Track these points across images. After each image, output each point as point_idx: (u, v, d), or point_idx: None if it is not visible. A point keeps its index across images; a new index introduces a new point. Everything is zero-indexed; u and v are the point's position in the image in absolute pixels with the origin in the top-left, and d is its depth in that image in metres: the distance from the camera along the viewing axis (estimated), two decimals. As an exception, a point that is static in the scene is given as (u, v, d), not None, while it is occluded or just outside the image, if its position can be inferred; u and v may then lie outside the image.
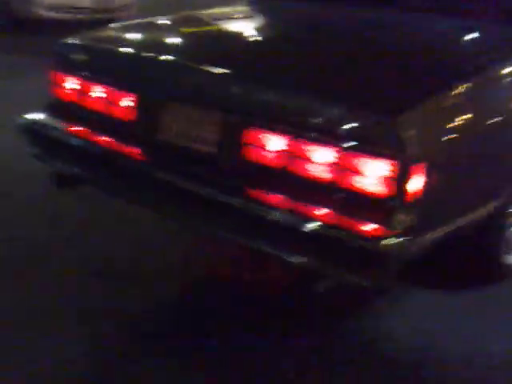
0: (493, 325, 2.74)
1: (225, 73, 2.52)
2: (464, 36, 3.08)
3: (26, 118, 2.98)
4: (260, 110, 2.36)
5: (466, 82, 2.42)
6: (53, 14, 8.84)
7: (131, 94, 2.68)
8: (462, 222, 2.45)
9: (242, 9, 3.69)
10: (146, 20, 3.43)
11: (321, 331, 2.66)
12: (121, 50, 2.90)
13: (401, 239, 2.07)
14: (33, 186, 3.65)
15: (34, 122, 2.98)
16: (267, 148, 2.31)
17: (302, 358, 2.49)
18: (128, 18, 8.92)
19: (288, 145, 2.27)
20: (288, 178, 2.29)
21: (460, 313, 2.81)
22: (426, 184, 2.13)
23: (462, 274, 3.01)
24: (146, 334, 2.59)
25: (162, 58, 2.69)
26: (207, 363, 2.43)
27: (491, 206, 2.61)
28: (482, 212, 2.57)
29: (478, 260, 2.89)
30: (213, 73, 2.52)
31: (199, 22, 3.48)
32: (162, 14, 3.56)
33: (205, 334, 2.59)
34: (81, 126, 2.88)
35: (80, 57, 2.93)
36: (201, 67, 2.55)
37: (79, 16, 9.01)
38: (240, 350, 2.50)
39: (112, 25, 3.55)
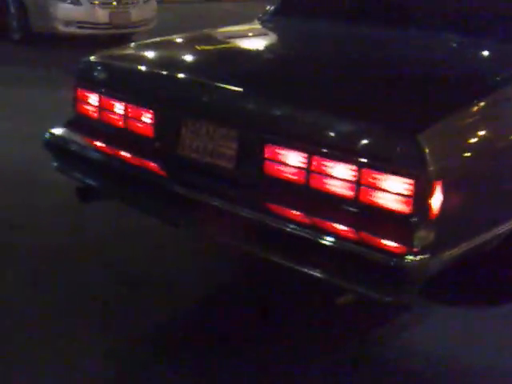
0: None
1: (242, 89, 2.55)
2: (481, 53, 3.10)
3: (50, 133, 3.03)
4: (278, 126, 2.38)
5: (485, 98, 2.42)
6: (71, 30, 8.98)
7: (151, 111, 2.73)
8: (484, 238, 2.44)
9: (256, 27, 3.73)
10: (163, 38, 3.49)
11: (343, 345, 2.68)
12: (140, 68, 2.95)
13: (422, 256, 2.07)
14: (59, 197, 3.73)
15: (58, 137, 3.03)
16: (286, 164, 2.33)
17: (323, 371, 2.50)
18: (147, 34, 9.05)
19: (308, 161, 2.28)
20: (309, 194, 2.31)
21: (483, 329, 2.80)
22: (447, 201, 2.13)
23: (488, 290, 3.00)
24: (170, 341, 2.65)
25: (180, 75, 2.75)
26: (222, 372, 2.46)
27: None
28: (504, 228, 2.56)
29: (503, 276, 2.88)
30: (230, 89, 2.55)
31: (214, 40, 3.53)
32: (180, 28, 3.63)
33: (223, 345, 2.63)
34: (102, 141, 2.93)
35: (101, 74, 2.99)
36: (218, 84, 2.58)
37: (97, 31, 9.14)
38: (258, 360, 2.53)
39: (132, 43, 3.60)
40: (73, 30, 8.99)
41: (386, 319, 2.84)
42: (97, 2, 9.04)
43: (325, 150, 2.24)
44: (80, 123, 3.06)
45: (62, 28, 8.90)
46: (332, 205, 2.25)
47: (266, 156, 2.38)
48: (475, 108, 2.38)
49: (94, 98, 2.97)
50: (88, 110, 3.01)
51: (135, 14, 9.40)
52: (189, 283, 3.06)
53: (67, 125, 3.08)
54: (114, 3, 9.20)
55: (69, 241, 3.40)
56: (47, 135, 3.06)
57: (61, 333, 2.65)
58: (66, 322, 2.72)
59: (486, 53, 3.14)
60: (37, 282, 3.03)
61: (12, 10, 9.21)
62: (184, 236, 3.00)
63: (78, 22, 8.95)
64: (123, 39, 8.88)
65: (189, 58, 3.20)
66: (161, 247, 3.35)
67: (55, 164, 3.08)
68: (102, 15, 9.07)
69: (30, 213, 3.73)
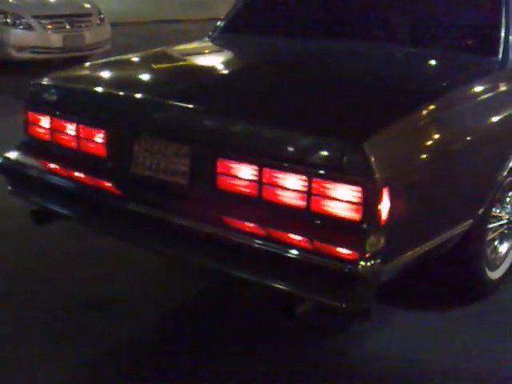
0: (479, 340, 2.78)
1: (192, 106, 2.57)
2: (426, 61, 3.19)
3: (3, 157, 3.01)
4: (228, 141, 2.41)
5: (430, 104, 2.48)
6: (24, 55, 8.89)
7: (102, 131, 2.73)
8: (437, 241, 2.50)
9: (205, 44, 3.78)
10: (112, 58, 3.52)
11: (304, 354, 2.70)
12: (89, 87, 2.95)
13: (374, 261, 2.11)
14: (18, 221, 3.69)
15: (11, 161, 3.00)
16: (238, 177, 2.36)
17: (284, 380, 2.53)
18: (101, 56, 9.02)
19: (259, 174, 2.31)
20: (262, 206, 2.33)
21: (445, 330, 2.85)
22: (396, 207, 2.18)
23: (445, 293, 3.07)
24: (136, 357, 2.65)
25: (129, 93, 2.75)
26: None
27: (467, 225, 2.65)
28: (457, 231, 2.62)
29: (461, 277, 2.94)
30: (180, 106, 2.57)
31: (164, 58, 3.55)
32: (135, 50, 3.66)
33: (197, 357, 2.65)
34: (56, 163, 2.91)
35: (51, 96, 2.98)
36: (168, 101, 2.60)
37: (51, 56, 9.07)
38: (220, 374, 2.55)
39: (82, 64, 3.60)
40: (26, 55, 8.90)
41: (346, 328, 2.87)
42: (50, 27, 8.98)
43: (275, 163, 2.28)
44: (32, 146, 3.05)
45: (15, 54, 8.81)
46: (285, 216, 2.28)
47: (218, 170, 2.41)
48: (421, 114, 2.43)
49: (45, 120, 2.96)
50: (39, 132, 3.00)
51: (89, 36, 9.36)
52: (154, 299, 3.07)
53: (19, 148, 3.06)
54: (68, 27, 9.14)
55: (30, 264, 3.40)
56: (0, 159, 3.03)
57: (23, 355, 2.64)
58: (28, 344, 2.71)
59: (431, 61, 3.23)
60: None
61: (-37, 37, 9.09)
62: (146, 253, 2.99)
63: (31, 47, 8.86)
64: (78, 62, 8.82)
65: (138, 76, 3.22)
66: (124, 265, 3.36)
67: (9, 188, 3.06)
68: (55, 39, 9.00)
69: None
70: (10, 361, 2.61)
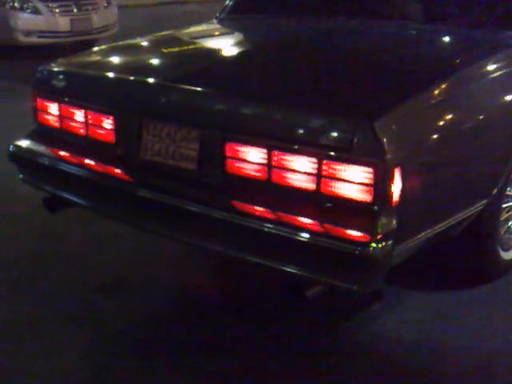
0: (492, 321, 2.77)
1: (200, 89, 2.54)
2: (439, 38, 3.14)
3: (14, 145, 3.01)
4: (237, 124, 2.39)
5: (444, 81, 2.44)
6: (32, 40, 8.89)
7: (111, 116, 2.71)
8: (448, 223, 2.47)
9: (213, 26, 3.74)
10: (121, 42, 3.49)
11: (316, 334, 2.70)
12: (97, 73, 2.94)
13: (385, 243, 2.09)
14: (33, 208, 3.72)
15: (22, 149, 3.01)
16: (247, 161, 2.34)
17: (297, 360, 2.54)
18: (109, 39, 9.00)
19: (269, 156, 2.29)
20: (272, 189, 2.32)
21: (458, 312, 2.84)
22: (408, 188, 2.15)
23: (458, 274, 3.06)
24: (145, 339, 2.68)
25: (137, 78, 2.73)
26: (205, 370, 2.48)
27: (481, 205, 2.62)
28: (470, 211, 2.58)
29: (474, 258, 2.91)
30: (188, 90, 2.54)
31: (171, 41, 3.52)
32: (143, 32, 3.65)
33: (200, 341, 2.65)
34: (65, 150, 2.91)
35: (59, 82, 2.96)
36: (176, 85, 2.57)
37: (58, 40, 9.06)
38: (233, 355, 2.56)
39: (90, 49, 3.58)
40: (34, 39, 8.90)
41: (357, 309, 2.86)
42: (57, 11, 8.97)
43: (284, 145, 2.25)
44: (42, 133, 3.04)
45: (22, 38, 8.82)
46: (295, 198, 2.26)
47: (227, 154, 2.39)
48: (433, 92, 2.38)
49: (53, 107, 2.95)
50: (48, 119, 2.99)
51: (96, 20, 9.34)
52: (165, 283, 3.09)
53: (30, 136, 3.06)
54: (75, 10, 9.12)
55: (42, 249, 3.42)
56: (11, 147, 3.03)
57: (36, 335, 2.68)
58: (41, 325, 2.74)
59: (444, 37, 3.17)
60: (12, 289, 3.04)
61: (-29, 22, 9.09)
62: (156, 239, 3.00)
63: (39, 32, 8.86)
64: (86, 46, 8.81)
65: (146, 60, 3.19)
66: (134, 251, 3.37)
67: (21, 176, 3.07)
68: (62, 23, 9.00)
69: (3, 222, 3.74)
70: (25, 343, 2.63)
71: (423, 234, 2.34)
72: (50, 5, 8.91)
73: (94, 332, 2.72)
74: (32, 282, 3.10)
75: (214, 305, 2.92)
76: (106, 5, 9.61)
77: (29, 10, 8.83)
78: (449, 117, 2.42)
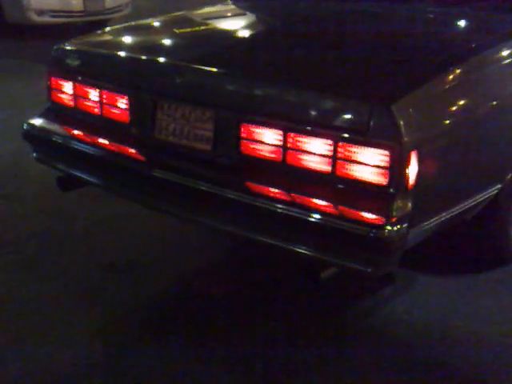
0: (503, 306, 2.77)
1: (216, 70, 2.53)
2: (456, 22, 3.11)
3: (28, 124, 3.02)
4: (253, 105, 2.38)
5: (460, 65, 2.42)
6: (45, 19, 8.86)
7: (125, 96, 2.71)
8: (463, 207, 2.46)
9: (228, 7, 3.72)
10: (135, 23, 3.48)
11: (328, 317, 2.71)
12: (112, 52, 2.93)
13: (400, 226, 2.08)
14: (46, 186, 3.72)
15: (35, 128, 3.01)
16: (262, 142, 2.33)
17: (308, 342, 2.54)
18: (122, 20, 8.96)
19: (284, 138, 2.28)
20: (286, 171, 2.31)
21: (469, 296, 2.84)
22: (424, 171, 2.14)
23: (470, 258, 3.05)
24: (156, 321, 2.69)
25: (152, 58, 2.72)
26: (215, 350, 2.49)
27: (495, 189, 2.61)
28: (484, 196, 2.58)
29: (487, 243, 2.92)
30: (204, 70, 2.53)
31: (186, 22, 3.51)
32: (156, 13, 3.63)
33: (212, 320, 2.67)
34: (79, 129, 2.91)
35: (74, 61, 2.95)
36: (192, 65, 2.56)
37: (71, 20, 9.04)
38: (244, 335, 2.57)
39: (105, 28, 3.57)
40: (47, 19, 8.87)
41: (369, 292, 2.87)
42: (70, -11, 8.93)
43: (300, 127, 2.24)
44: (56, 112, 3.05)
45: (35, 18, 8.79)
46: (310, 181, 2.26)
47: (242, 135, 2.38)
48: (450, 76, 2.36)
49: (68, 86, 2.95)
50: (63, 98, 3.00)
51: (110, 0, 9.29)
52: (176, 266, 3.08)
53: (43, 114, 3.06)
54: (88, -10, 9.08)
55: (54, 228, 3.43)
56: (25, 126, 3.04)
57: (48, 315, 2.69)
58: (52, 305, 2.76)
59: (461, 21, 3.14)
60: (23, 267, 3.06)
61: (-16, 1, 9.08)
62: (168, 219, 3.00)
63: (52, 11, 8.83)
64: (99, 26, 8.80)
65: (161, 40, 3.18)
66: (146, 231, 3.38)
67: (34, 155, 3.08)
68: (75, 3, 8.95)
69: (14, 201, 3.77)
70: (35, 323, 2.65)
71: (438, 217, 2.34)
72: (64, -16, 8.88)
73: (105, 312, 2.73)
74: (43, 261, 3.12)
75: (226, 287, 2.93)
76: (119, -15, 9.56)
77: (42, -11, 8.79)
78: (465, 101, 2.40)
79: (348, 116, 2.16)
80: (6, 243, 3.28)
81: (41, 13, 8.79)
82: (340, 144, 2.17)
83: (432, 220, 2.31)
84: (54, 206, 3.66)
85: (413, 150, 2.10)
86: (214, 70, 2.53)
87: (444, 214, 2.36)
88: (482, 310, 2.74)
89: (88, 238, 3.35)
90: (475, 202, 2.53)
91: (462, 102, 2.38)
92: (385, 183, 2.13)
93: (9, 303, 2.78)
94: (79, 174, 2.89)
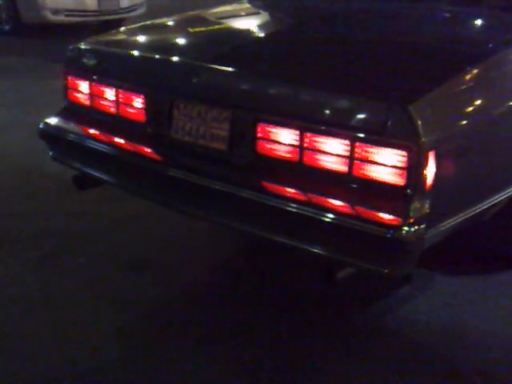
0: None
1: (232, 69, 2.52)
2: (473, 21, 3.08)
3: (45, 123, 3.03)
4: (269, 105, 2.37)
5: (478, 65, 2.40)
6: (60, 18, 8.91)
7: (141, 95, 2.71)
8: (481, 207, 2.44)
9: (244, 6, 3.70)
10: (150, 22, 3.49)
11: (344, 317, 2.71)
12: (129, 52, 2.92)
13: (418, 227, 2.06)
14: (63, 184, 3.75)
15: (52, 127, 3.02)
16: (279, 142, 2.32)
17: (325, 342, 2.54)
18: (137, 19, 8.99)
19: (301, 138, 2.27)
20: (303, 171, 2.30)
21: (487, 296, 2.82)
22: (442, 171, 2.13)
23: (488, 258, 3.03)
24: (174, 319, 2.69)
25: (169, 57, 2.71)
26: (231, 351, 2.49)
27: None
28: (503, 196, 2.56)
29: (505, 243, 2.89)
30: (220, 70, 2.52)
31: (202, 21, 3.50)
32: (172, 12, 3.63)
33: (230, 321, 2.66)
34: (95, 128, 2.91)
35: (90, 60, 2.95)
36: (208, 65, 2.55)
37: (86, 19, 9.08)
38: (261, 336, 2.56)
39: (120, 28, 3.58)
40: (61, 18, 8.92)
41: (387, 291, 2.86)
42: (85, -11, 8.97)
43: (316, 127, 2.23)
44: (72, 111, 3.05)
45: (50, 17, 8.84)
46: (326, 181, 2.24)
47: (258, 135, 2.37)
48: (468, 75, 2.35)
49: (84, 85, 2.96)
50: (79, 97, 3.00)
51: (124, -1, 9.34)
52: (192, 265, 3.09)
53: (60, 113, 3.07)
54: (103, -11, 9.13)
55: (71, 226, 3.46)
56: (41, 125, 3.05)
57: (67, 313, 2.70)
58: (71, 304, 2.77)
59: (478, 21, 3.12)
60: (43, 264, 3.07)
61: (1, 1, 9.14)
62: (185, 218, 3.00)
63: (67, 10, 8.87)
64: (113, 25, 8.83)
65: (177, 39, 3.18)
66: (163, 230, 3.39)
67: (51, 153, 3.09)
68: (90, 2, 9.00)
69: (31, 200, 3.79)
70: (52, 321, 2.66)
71: (455, 217, 2.32)
72: (78, -17, 8.92)
73: (122, 310, 2.73)
74: (60, 259, 3.13)
75: (243, 285, 2.93)
76: (133, -16, 9.59)
77: (57, -11, 8.83)
78: (483, 100, 2.38)
79: (365, 116, 2.15)
80: (23, 240, 3.30)
81: (56, 12, 8.84)
82: (357, 144, 2.16)
83: (450, 220, 2.29)
84: (71, 205, 3.68)
85: (430, 150, 2.08)
86: (230, 69, 2.52)
87: (462, 214, 2.34)
88: (501, 311, 2.72)
89: (104, 236, 3.35)
90: (494, 202, 2.51)
91: (479, 102, 2.36)
92: (402, 184, 2.11)
93: (25, 300, 2.80)
94: (95, 173, 2.90)
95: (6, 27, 9.19)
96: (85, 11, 9.03)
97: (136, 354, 2.47)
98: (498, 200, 2.53)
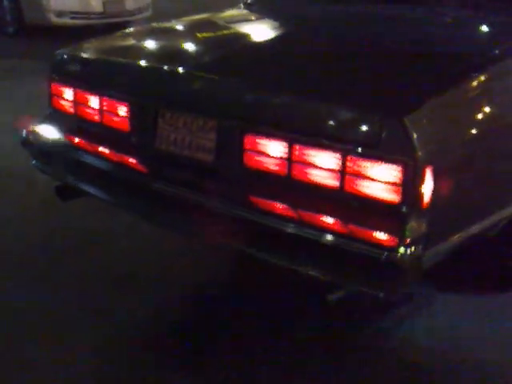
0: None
1: (219, 78, 2.39)
2: (475, 28, 2.90)
3: (27, 130, 2.91)
4: (256, 115, 2.24)
5: (477, 76, 2.24)
6: (65, 20, 8.81)
7: (126, 103, 2.58)
8: (483, 225, 2.29)
9: (238, 12, 3.55)
10: (140, 27, 3.38)
11: (341, 338, 2.57)
12: (113, 58, 2.81)
13: (414, 248, 1.91)
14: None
15: (33, 135, 2.90)
16: (267, 154, 2.19)
17: (320, 362, 2.42)
18: (142, 22, 8.89)
19: (290, 150, 2.13)
20: (292, 185, 2.16)
21: (491, 316, 2.68)
22: (440, 188, 1.97)
23: (491, 276, 2.86)
24: (158, 336, 2.61)
25: (154, 64, 2.60)
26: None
27: None
28: (507, 212, 2.41)
29: (509, 260, 2.74)
30: (206, 78, 2.40)
31: (192, 27, 3.36)
32: (177, 16, 3.54)
33: (213, 338, 2.57)
34: (78, 137, 2.80)
35: (74, 67, 2.83)
36: (194, 72, 2.42)
37: (91, 21, 8.97)
38: (251, 354, 2.46)
39: (112, 33, 3.41)
40: (66, 20, 8.81)
41: (385, 310, 2.71)
42: (90, -9, 8.88)
43: (306, 139, 2.09)
44: (56, 119, 2.92)
45: (55, 19, 8.74)
46: (317, 196, 2.10)
47: (245, 147, 2.24)
48: (469, 85, 2.20)
49: (68, 92, 2.84)
50: (63, 104, 2.88)
51: (130, 2, 9.22)
52: (178, 280, 2.98)
53: (43, 121, 2.95)
54: (108, -9, 9.02)
55: (57, 238, 3.36)
56: (24, 133, 2.93)
57: (49, 330, 2.61)
58: (53, 320, 2.67)
59: (482, 26, 2.94)
60: (27, 278, 2.98)
61: (5, 3, 9.06)
62: (168, 234, 2.89)
63: (72, 13, 8.78)
64: (118, 28, 8.73)
65: (163, 46, 3.04)
66: (150, 243, 3.27)
67: (33, 162, 2.96)
68: (95, 4, 8.90)
69: (16, 209, 3.68)
70: (36, 334, 2.58)
71: (456, 236, 2.17)
72: (83, -15, 8.82)
73: (106, 325, 2.64)
74: (46, 271, 3.03)
75: (229, 301, 2.81)
76: (139, -14, 9.49)
77: (61, -9, 8.74)
78: (485, 111, 2.24)
79: (358, 128, 1.99)
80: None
81: (60, 14, 8.75)
82: (349, 158, 2.01)
83: (450, 240, 2.14)
84: (57, 215, 3.54)
85: (427, 166, 1.93)
86: (217, 77, 2.39)
87: (463, 232, 2.19)
88: (505, 333, 2.56)
89: (91, 248, 3.24)
90: (496, 220, 2.36)
91: (481, 113, 2.22)
92: (397, 201, 1.96)
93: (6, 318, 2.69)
94: (77, 184, 2.77)
95: (10, 29, 9.12)
96: (90, 13, 8.93)
97: (119, 370, 2.38)
98: (501, 216, 2.37)
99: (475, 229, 2.24)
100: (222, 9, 3.69)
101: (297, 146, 2.11)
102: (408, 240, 1.91)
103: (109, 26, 9.07)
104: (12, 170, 4.19)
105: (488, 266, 2.79)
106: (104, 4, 8.96)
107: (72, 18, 8.85)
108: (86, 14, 8.91)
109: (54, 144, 2.83)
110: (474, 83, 2.22)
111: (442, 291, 2.83)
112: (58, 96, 2.90)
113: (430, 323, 2.62)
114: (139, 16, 9.46)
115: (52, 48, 3.07)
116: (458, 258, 2.44)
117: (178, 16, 3.56)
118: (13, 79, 6.72)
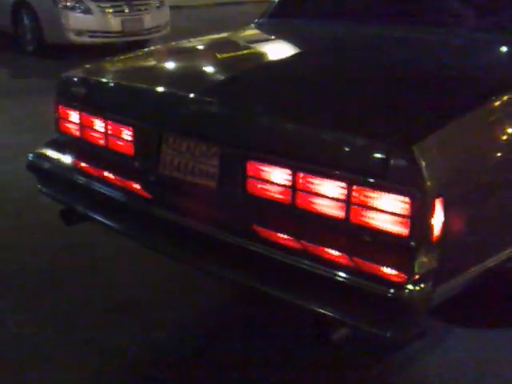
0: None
1: (223, 102, 2.32)
2: (488, 50, 2.77)
3: (33, 154, 2.86)
4: (260, 141, 2.15)
5: (491, 102, 2.15)
6: (83, 39, 8.85)
7: (130, 127, 2.52)
8: (499, 258, 2.17)
9: (249, 32, 3.48)
10: (147, 49, 3.35)
11: (350, 374, 2.46)
12: (118, 82, 2.75)
13: (424, 285, 1.81)
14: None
15: (40, 158, 2.85)
16: (270, 182, 2.11)
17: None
18: (161, 40, 8.89)
19: (293, 178, 2.04)
20: (295, 215, 2.07)
21: (507, 355, 2.54)
22: (450, 220, 1.87)
23: (506, 311, 2.73)
24: (156, 364, 2.54)
25: (158, 88, 2.54)
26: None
27: None
28: None
29: None
30: (210, 103, 2.32)
31: (201, 48, 3.29)
32: (194, 34, 3.49)
33: (216, 367, 2.50)
34: (83, 161, 2.75)
35: (80, 90, 2.77)
36: (198, 97, 2.34)
37: (110, 40, 8.99)
38: None
39: (118, 56, 3.34)
40: (85, 39, 8.84)
41: (397, 346, 2.57)
42: (109, 10, 8.89)
43: (311, 167, 2.00)
44: (62, 142, 2.87)
45: (73, 38, 8.77)
46: (321, 227, 2.01)
47: (248, 174, 2.16)
48: (481, 112, 2.10)
49: (74, 116, 2.78)
50: (69, 127, 2.82)
51: (148, 20, 9.24)
52: (178, 308, 2.90)
53: (49, 145, 2.89)
54: (126, 10, 9.03)
55: (60, 260, 3.31)
56: (30, 156, 2.88)
57: (45, 356, 2.55)
58: (51, 346, 2.62)
59: (494, 49, 2.81)
60: (26, 302, 2.95)
61: (25, 22, 9.14)
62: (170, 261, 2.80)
63: (90, 32, 8.81)
64: (137, 46, 8.74)
65: (170, 70, 2.99)
66: (152, 269, 3.19)
67: (39, 186, 2.90)
68: (114, 23, 8.92)
69: (23, 231, 3.65)
70: (32, 360, 2.53)
71: (469, 271, 2.06)
72: (102, 5, 8.84)
73: (104, 354, 2.58)
74: (46, 294, 2.99)
75: (233, 330, 2.73)
76: (158, 5, 9.50)
77: (80, 10, 8.77)
78: (498, 140, 2.14)
79: (364, 156, 1.90)
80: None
81: (79, 33, 8.78)
82: (354, 187, 1.92)
83: (463, 275, 2.03)
84: (62, 238, 3.47)
85: (437, 197, 1.83)
86: (221, 102, 2.31)
87: (477, 268, 2.07)
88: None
89: (92, 273, 3.20)
90: (512, 253, 2.23)
91: (493, 142, 2.11)
92: (405, 234, 1.86)
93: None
94: (81, 209, 2.70)
95: (30, 48, 9.17)
96: (108, 32, 8.95)
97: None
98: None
99: (491, 263, 2.13)
100: (237, 26, 3.64)
101: (301, 174, 2.03)
102: (417, 276, 1.81)
103: (128, 43, 9.11)
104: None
105: (502, 299, 2.66)
106: (122, 23, 8.98)
107: (90, 36, 8.88)
108: (105, 33, 8.93)
109: (59, 168, 2.78)
110: (487, 110, 2.12)
111: (454, 325, 2.70)
112: (63, 119, 2.84)
113: (443, 361, 2.49)
114: (157, 34, 9.47)
115: (70, 67, 3.02)
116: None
117: (193, 34, 3.53)
118: (29, 100, 6.69)
